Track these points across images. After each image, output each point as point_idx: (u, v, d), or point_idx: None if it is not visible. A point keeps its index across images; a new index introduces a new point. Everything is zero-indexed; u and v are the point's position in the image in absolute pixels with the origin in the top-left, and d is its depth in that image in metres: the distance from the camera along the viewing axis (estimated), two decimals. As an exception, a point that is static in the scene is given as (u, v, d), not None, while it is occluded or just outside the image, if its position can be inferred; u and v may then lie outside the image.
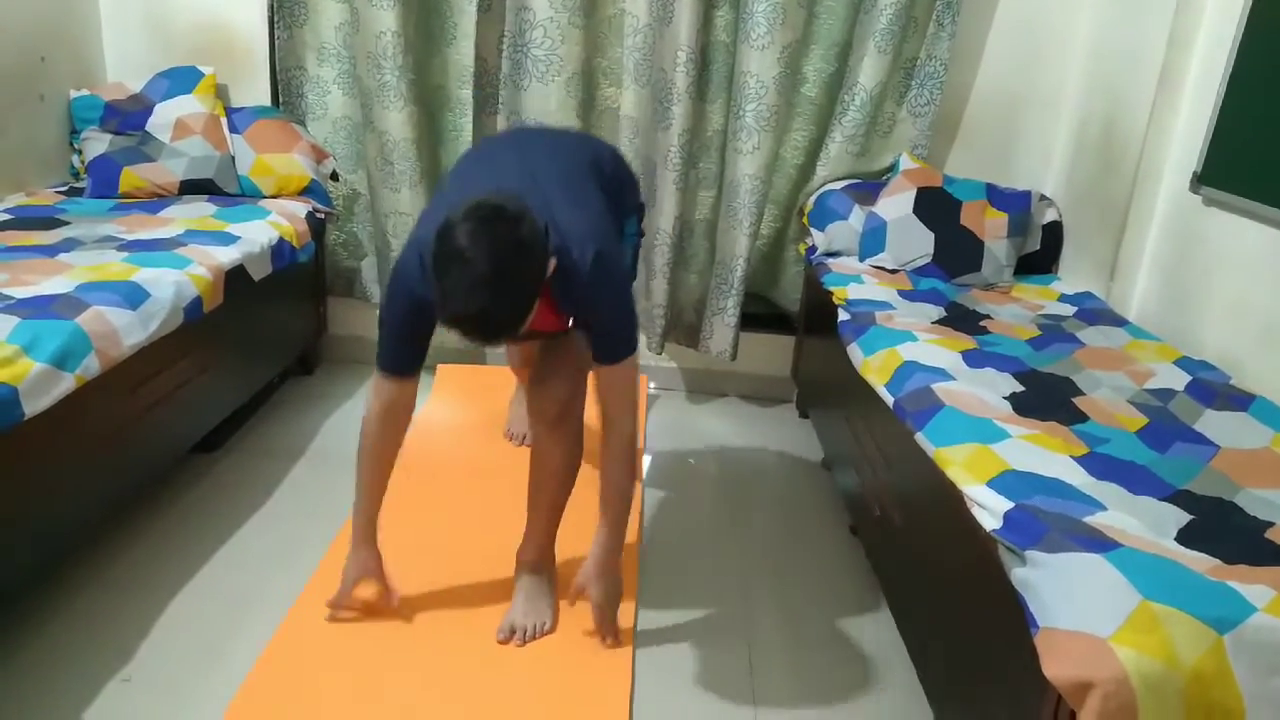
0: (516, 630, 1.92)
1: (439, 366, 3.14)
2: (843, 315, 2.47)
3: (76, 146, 3.00)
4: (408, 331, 1.80)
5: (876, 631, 2.09)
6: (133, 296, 2.02)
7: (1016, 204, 2.94)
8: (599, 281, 1.75)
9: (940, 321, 2.42)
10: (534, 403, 1.95)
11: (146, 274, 2.12)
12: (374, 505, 1.94)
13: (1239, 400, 1.91)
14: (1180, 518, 1.47)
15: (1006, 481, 1.52)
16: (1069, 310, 2.60)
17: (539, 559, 2.02)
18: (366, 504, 1.93)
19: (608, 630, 1.95)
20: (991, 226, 2.87)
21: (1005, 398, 1.91)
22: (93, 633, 1.89)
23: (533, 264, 1.58)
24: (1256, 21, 2.15)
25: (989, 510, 1.46)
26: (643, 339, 3.29)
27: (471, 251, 1.51)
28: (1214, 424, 1.83)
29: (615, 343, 1.84)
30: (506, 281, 1.54)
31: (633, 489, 1.95)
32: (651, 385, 3.43)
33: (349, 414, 2.95)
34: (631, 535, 2.35)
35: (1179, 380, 2.03)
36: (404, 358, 1.83)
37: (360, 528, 1.94)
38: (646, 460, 2.85)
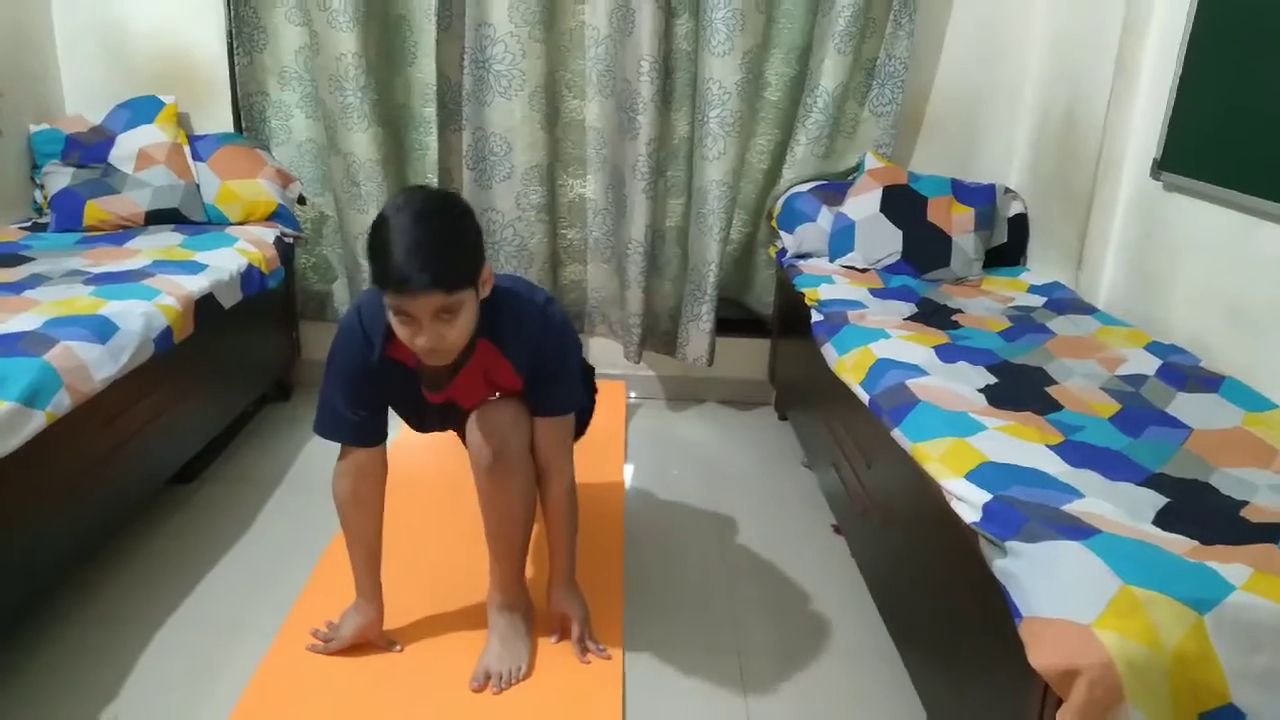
0: (491, 676, 1.84)
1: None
2: (816, 316, 2.49)
3: (38, 181, 2.97)
4: (360, 386, 1.76)
5: (864, 629, 2.09)
6: (102, 330, 2.00)
7: (981, 198, 2.97)
8: (550, 322, 1.78)
9: (912, 318, 2.44)
10: (471, 447, 1.81)
11: (115, 307, 2.10)
12: (372, 561, 1.90)
13: (1209, 382, 1.94)
14: (1157, 501, 1.48)
15: (984, 473, 1.53)
16: (1039, 301, 2.62)
17: (510, 599, 1.94)
18: (364, 559, 1.89)
19: (594, 641, 1.95)
20: (958, 221, 2.89)
21: (979, 390, 1.92)
22: (77, 671, 1.87)
23: (472, 222, 1.59)
24: (1205, 6, 2.19)
25: (968, 503, 1.47)
26: (619, 348, 3.29)
27: (409, 210, 1.52)
28: (1186, 406, 1.85)
29: (562, 392, 1.84)
30: (451, 219, 1.55)
31: (576, 523, 1.95)
32: (631, 394, 3.43)
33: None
34: (615, 544, 2.36)
35: (1150, 365, 2.05)
36: (364, 419, 1.79)
37: (361, 581, 1.90)
38: (628, 469, 2.85)
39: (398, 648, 1.93)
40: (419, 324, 1.54)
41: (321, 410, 1.82)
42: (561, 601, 1.96)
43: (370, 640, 1.92)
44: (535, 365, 1.78)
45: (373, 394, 1.80)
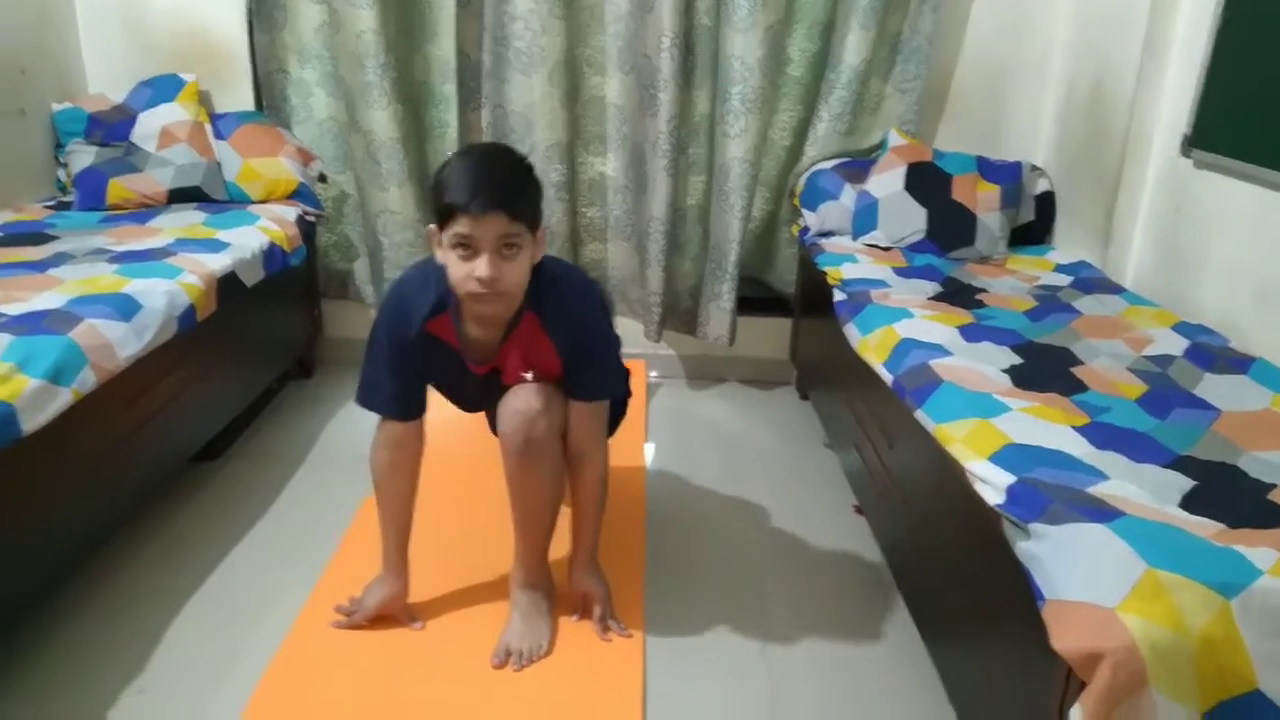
0: (513, 653, 1.84)
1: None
2: (838, 295, 2.47)
3: (62, 160, 2.98)
4: (401, 360, 1.78)
5: (886, 610, 2.09)
6: (125, 308, 2.01)
7: (1008, 175, 2.93)
8: (592, 303, 1.82)
9: (936, 297, 2.41)
10: (501, 430, 1.80)
11: (138, 285, 2.12)
12: (402, 534, 1.92)
13: (1238, 363, 1.91)
14: (1183, 484, 1.47)
15: (1008, 455, 1.52)
16: (1065, 280, 2.59)
17: (533, 578, 1.95)
18: (394, 534, 1.91)
19: (615, 620, 1.95)
20: (983, 199, 2.86)
21: (1004, 371, 1.90)
22: (103, 646, 1.89)
23: (535, 176, 1.68)
24: (1241, -19, 2.14)
25: (991, 485, 1.46)
26: (639, 327, 3.28)
27: (478, 149, 1.69)
28: (1214, 388, 1.83)
29: (600, 378, 1.86)
30: (517, 163, 1.66)
31: (604, 506, 1.95)
32: (652, 374, 3.42)
33: (350, 416, 2.95)
34: (636, 524, 2.36)
35: (1177, 345, 2.02)
36: (404, 393, 1.82)
37: (389, 555, 1.92)
38: (649, 449, 2.84)
39: (419, 624, 1.94)
40: (479, 252, 1.58)
41: (363, 382, 1.84)
42: (584, 580, 1.97)
43: (393, 613, 1.93)
44: (575, 345, 1.78)
45: (413, 368, 1.82)
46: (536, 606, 1.93)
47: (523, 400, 1.77)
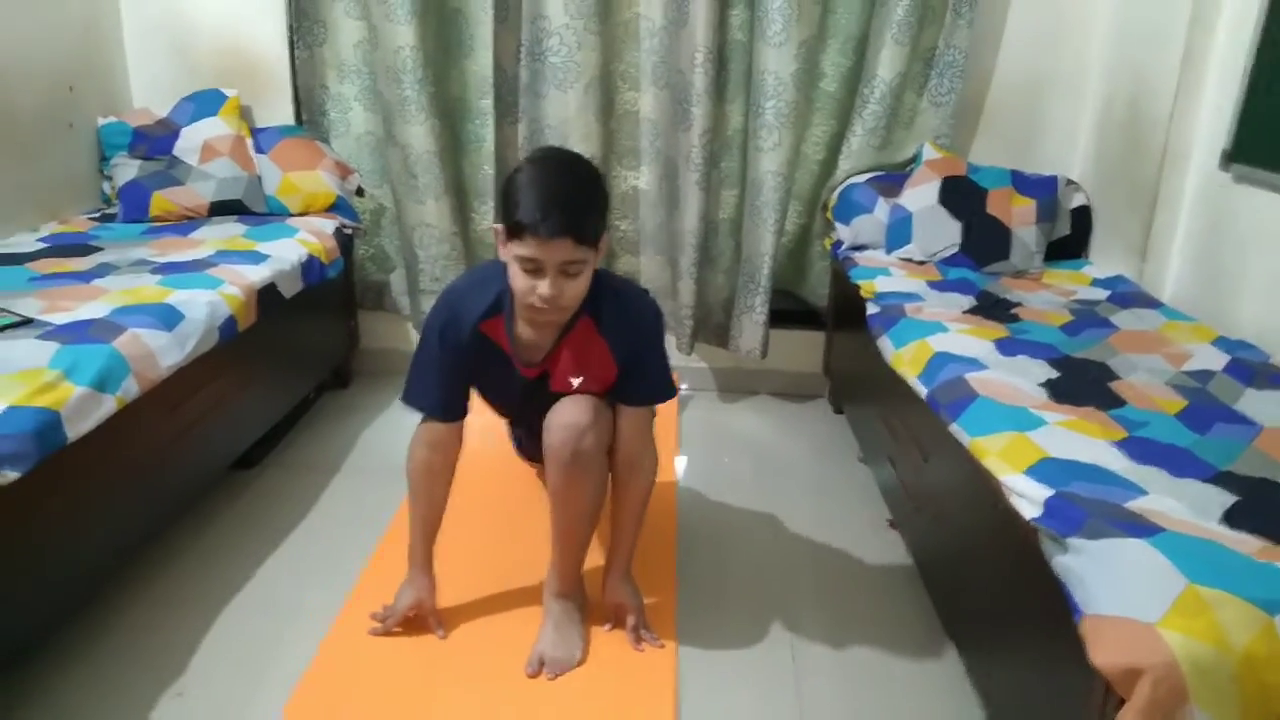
0: (546, 663, 1.84)
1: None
2: (871, 309, 2.47)
3: (107, 173, 3.05)
4: (450, 361, 1.81)
5: (919, 624, 2.07)
6: (168, 318, 2.05)
7: (1043, 189, 2.91)
8: (650, 310, 1.85)
9: (971, 311, 2.40)
10: (547, 442, 1.80)
11: (180, 295, 2.16)
12: (431, 536, 1.94)
13: (1279, 379, 1.88)
14: (1224, 499, 1.45)
15: (1045, 469, 1.51)
16: (1102, 294, 2.57)
17: (568, 588, 1.95)
18: (422, 533, 1.94)
19: (648, 630, 1.95)
20: (1019, 213, 2.85)
21: (1040, 385, 1.89)
22: (142, 650, 1.92)
23: (603, 187, 1.71)
24: (1281, -6, 2.13)
25: (1028, 499, 1.45)
26: (671, 340, 3.29)
27: (550, 162, 1.68)
28: (1255, 403, 1.80)
29: (655, 383, 1.88)
30: (587, 177, 1.69)
31: (644, 520, 1.96)
32: (683, 386, 3.42)
33: (385, 426, 2.98)
34: (668, 536, 2.36)
35: (1217, 360, 2.00)
36: (445, 391, 1.85)
37: (417, 554, 1.94)
38: (681, 462, 2.85)
39: (441, 633, 1.95)
40: (543, 273, 1.62)
41: (410, 381, 1.87)
42: (617, 591, 1.97)
43: (425, 612, 1.95)
44: (632, 352, 1.81)
45: (460, 370, 1.85)
46: (570, 616, 1.94)
47: (570, 414, 1.78)
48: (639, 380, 1.85)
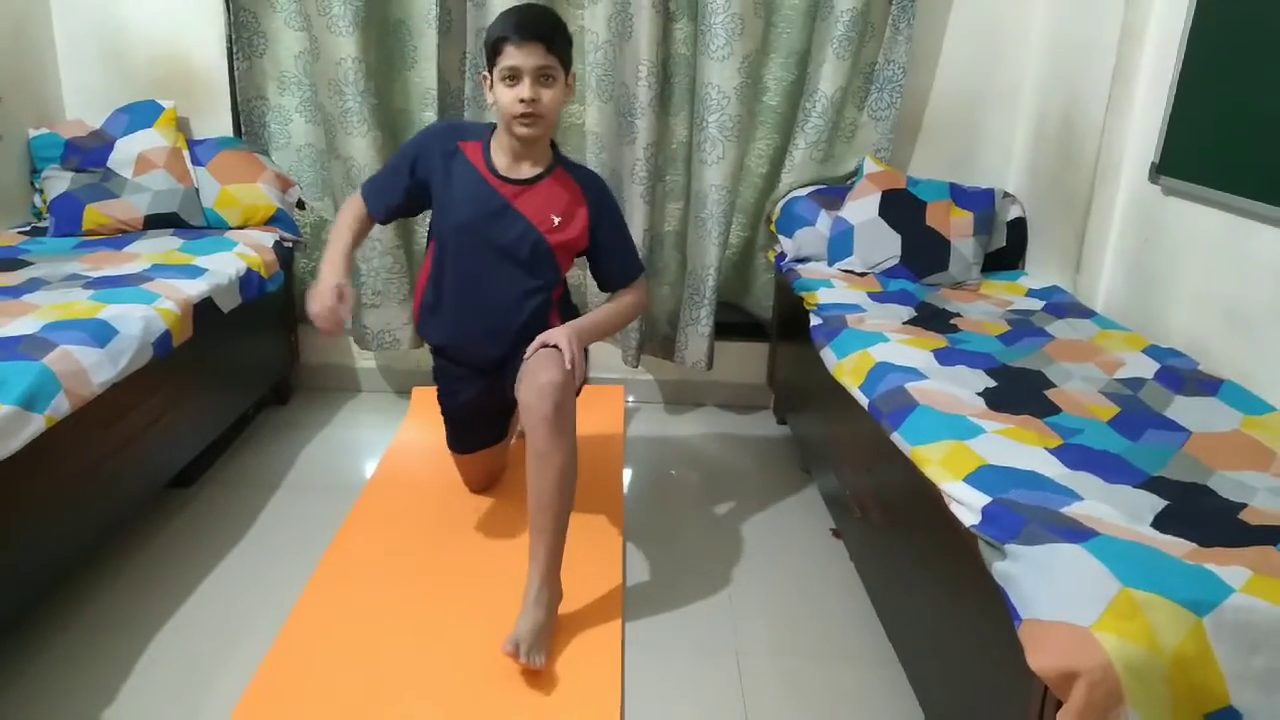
0: (521, 645, 1.82)
1: (415, 390, 3.11)
2: (814, 320, 2.49)
3: (38, 186, 2.97)
4: (405, 167, 2.16)
5: (862, 631, 2.09)
6: (100, 334, 2.00)
7: (980, 202, 2.97)
8: (608, 191, 2.23)
9: (911, 322, 2.44)
10: (525, 399, 1.90)
11: (113, 310, 2.11)
12: (347, 251, 2.18)
13: (1207, 385, 1.94)
14: (1155, 504, 1.49)
15: (983, 476, 1.53)
16: (1037, 305, 2.63)
17: (546, 592, 1.92)
18: (339, 249, 2.16)
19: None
20: (957, 225, 2.90)
21: (978, 394, 1.92)
22: (75, 675, 1.86)
23: (567, 28, 2.05)
24: (1204, 12, 2.19)
25: (967, 506, 1.47)
26: (618, 353, 3.29)
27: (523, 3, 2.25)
28: (1184, 410, 1.85)
29: (630, 256, 2.25)
30: (555, 14, 2.09)
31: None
32: (630, 398, 3.43)
33: (325, 443, 2.93)
34: (614, 547, 2.35)
35: (1148, 368, 2.05)
36: (384, 191, 2.21)
37: (336, 262, 2.13)
38: (627, 473, 2.84)
39: (347, 302, 2.10)
40: (521, 79, 1.96)
41: (372, 176, 2.29)
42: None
43: (344, 290, 2.07)
44: (602, 212, 2.17)
45: (417, 182, 2.17)
46: (544, 623, 1.90)
47: (546, 372, 1.91)
48: (614, 257, 2.22)
